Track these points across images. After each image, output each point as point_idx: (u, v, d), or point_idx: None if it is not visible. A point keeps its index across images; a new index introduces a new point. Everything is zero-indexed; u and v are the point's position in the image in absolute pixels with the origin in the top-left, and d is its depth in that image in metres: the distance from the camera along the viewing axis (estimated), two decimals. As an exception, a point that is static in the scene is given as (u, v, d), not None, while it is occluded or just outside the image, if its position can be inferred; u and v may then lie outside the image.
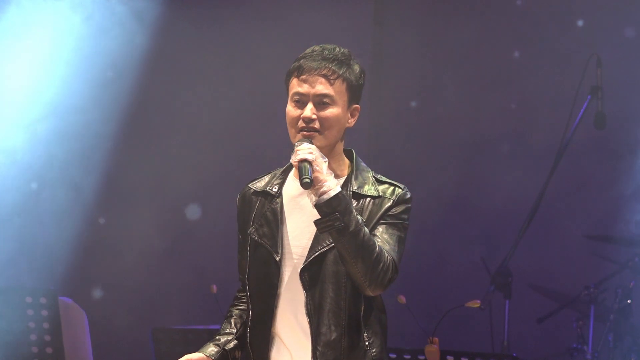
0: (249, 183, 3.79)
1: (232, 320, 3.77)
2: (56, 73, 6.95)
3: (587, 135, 6.66)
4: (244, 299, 3.76)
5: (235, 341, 3.72)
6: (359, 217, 3.48)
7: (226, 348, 3.70)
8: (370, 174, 3.69)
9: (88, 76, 7.04)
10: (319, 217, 3.47)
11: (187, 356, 3.63)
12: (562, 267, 7.00)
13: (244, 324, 3.73)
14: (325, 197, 3.43)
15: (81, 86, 7.07)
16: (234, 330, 3.75)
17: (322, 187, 3.44)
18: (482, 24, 7.35)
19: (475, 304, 5.87)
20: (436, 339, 5.42)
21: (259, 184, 3.75)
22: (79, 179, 7.25)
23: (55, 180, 7.16)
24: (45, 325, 5.58)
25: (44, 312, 5.57)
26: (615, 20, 6.98)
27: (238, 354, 3.72)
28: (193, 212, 7.45)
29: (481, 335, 6.71)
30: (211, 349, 3.70)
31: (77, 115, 7.12)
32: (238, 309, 3.79)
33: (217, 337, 3.74)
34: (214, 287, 6.10)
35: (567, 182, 6.79)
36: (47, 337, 5.58)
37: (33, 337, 5.58)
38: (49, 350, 5.58)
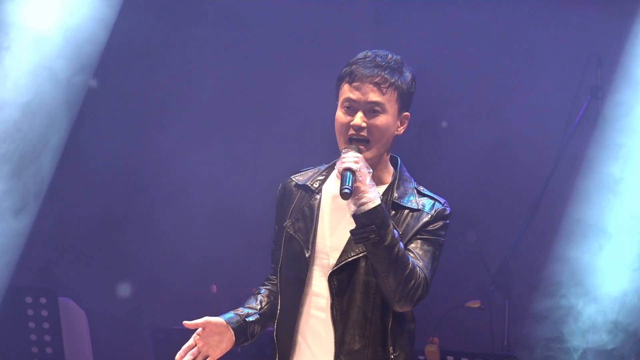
0: (292, 175, 3.75)
1: (259, 297, 3.73)
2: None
3: (587, 135, 6.65)
4: (274, 281, 3.72)
5: (257, 316, 3.68)
6: (395, 231, 3.42)
7: (247, 320, 3.65)
8: (412, 185, 3.65)
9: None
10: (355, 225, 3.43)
11: (206, 318, 3.59)
12: (562, 267, 7.00)
13: (270, 304, 3.70)
14: (364, 208, 3.38)
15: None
16: (258, 307, 3.70)
17: (362, 198, 3.39)
18: (482, 24, 7.34)
19: (475, 304, 5.89)
20: (436, 339, 5.43)
21: (301, 177, 3.71)
22: (80, 178, 7.25)
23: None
24: (45, 325, 5.59)
25: (44, 312, 5.58)
26: (615, 20, 6.97)
27: (257, 328, 3.67)
28: (193, 212, 7.46)
29: (481, 335, 6.71)
30: (231, 316, 3.65)
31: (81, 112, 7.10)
32: (266, 288, 3.75)
33: (239, 308, 3.71)
34: (214, 287, 6.11)
35: (567, 182, 6.78)
36: (47, 337, 5.59)
37: (33, 337, 5.58)
38: (49, 350, 5.58)
